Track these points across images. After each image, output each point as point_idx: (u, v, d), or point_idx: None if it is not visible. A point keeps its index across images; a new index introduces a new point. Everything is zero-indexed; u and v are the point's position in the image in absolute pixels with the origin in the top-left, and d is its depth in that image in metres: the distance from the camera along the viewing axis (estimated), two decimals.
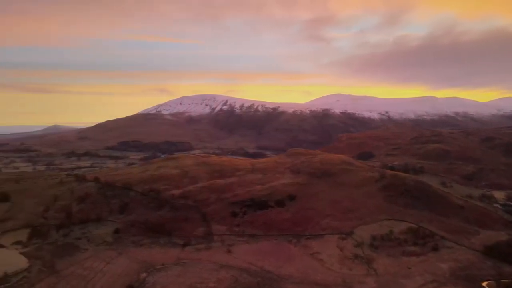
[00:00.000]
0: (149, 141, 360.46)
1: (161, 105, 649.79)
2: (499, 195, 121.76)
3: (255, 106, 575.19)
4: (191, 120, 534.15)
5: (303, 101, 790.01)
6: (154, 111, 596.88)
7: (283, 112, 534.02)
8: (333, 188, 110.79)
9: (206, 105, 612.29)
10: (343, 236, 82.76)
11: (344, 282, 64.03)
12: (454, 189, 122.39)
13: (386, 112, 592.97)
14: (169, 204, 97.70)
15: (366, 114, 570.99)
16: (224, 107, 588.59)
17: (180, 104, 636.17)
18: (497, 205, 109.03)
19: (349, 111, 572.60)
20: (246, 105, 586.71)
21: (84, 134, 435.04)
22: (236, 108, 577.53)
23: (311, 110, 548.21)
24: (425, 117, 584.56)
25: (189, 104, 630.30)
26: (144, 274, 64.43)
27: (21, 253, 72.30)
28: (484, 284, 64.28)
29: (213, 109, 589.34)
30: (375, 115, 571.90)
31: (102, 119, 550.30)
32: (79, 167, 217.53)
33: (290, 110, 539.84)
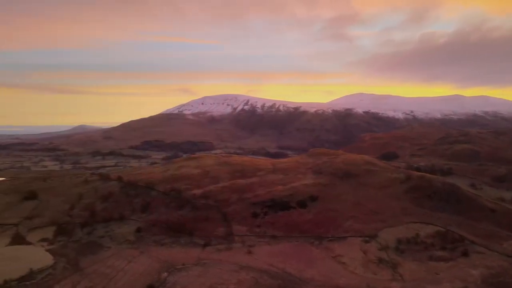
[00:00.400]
0: (171, 140, 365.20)
1: (183, 105, 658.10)
2: None
3: (277, 106, 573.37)
4: (213, 120, 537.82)
5: (325, 101, 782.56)
6: (176, 111, 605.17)
7: (304, 112, 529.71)
8: (356, 189, 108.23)
9: (228, 105, 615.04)
10: (366, 239, 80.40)
11: (368, 287, 61.94)
12: (484, 191, 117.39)
13: (411, 112, 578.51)
14: (190, 204, 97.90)
15: (390, 113, 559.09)
16: (246, 107, 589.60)
17: (202, 104, 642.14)
18: None
19: (373, 110, 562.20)
20: (267, 104, 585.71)
21: (109, 133, 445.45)
22: (258, 107, 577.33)
23: (333, 110, 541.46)
24: (452, 116, 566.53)
25: (210, 104, 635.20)
26: (165, 274, 64.40)
27: (47, 250, 73.67)
28: None
29: (235, 108, 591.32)
30: (399, 115, 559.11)
31: (126, 119, 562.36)
32: (104, 166, 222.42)
33: (312, 110, 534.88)
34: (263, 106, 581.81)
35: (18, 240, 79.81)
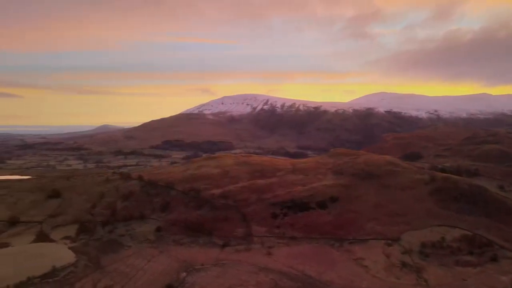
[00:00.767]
0: (191, 140, 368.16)
1: (203, 105, 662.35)
2: None
3: (297, 106, 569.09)
4: (232, 120, 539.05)
5: (345, 100, 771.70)
6: (196, 111, 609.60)
7: (325, 111, 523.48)
8: (378, 191, 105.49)
9: (247, 104, 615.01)
10: (389, 242, 78.08)
11: None
12: None
13: (435, 111, 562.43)
14: (209, 204, 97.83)
15: (413, 113, 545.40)
16: (265, 107, 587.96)
17: (222, 104, 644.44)
18: None
19: (395, 110, 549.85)
20: (287, 104, 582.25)
21: (130, 133, 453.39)
22: (277, 107, 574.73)
23: (354, 109, 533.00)
24: (478, 116, 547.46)
25: (230, 103, 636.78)
26: (184, 274, 64.37)
27: (69, 248, 74.95)
28: None
29: (254, 108, 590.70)
30: (423, 114, 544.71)
31: (147, 119, 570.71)
32: (126, 165, 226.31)
33: (332, 109, 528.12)
34: (282, 105, 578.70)
35: (42, 237, 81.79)
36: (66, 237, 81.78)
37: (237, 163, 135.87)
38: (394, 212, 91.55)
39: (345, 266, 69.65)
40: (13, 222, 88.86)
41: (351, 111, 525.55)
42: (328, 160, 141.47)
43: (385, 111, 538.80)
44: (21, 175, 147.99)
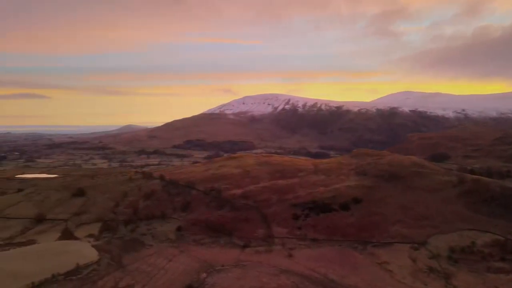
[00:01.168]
0: (212, 140, 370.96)
1: (225, 105, 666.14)
2: None
3: (318, 105, 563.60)
4: (254, 120, 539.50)
5: (368, 100, 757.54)
6: (217, 111, 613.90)
7: (347, 111, 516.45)
8: (403, 192, 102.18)
9: (269, 104, 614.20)
10: (415, 245, 75.26)
11: None
12: None
13: (463, 110, 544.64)
14: (229, 204, 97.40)
15: (439, 112, 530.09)
16: (287, 106, 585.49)
17: (243, 103, 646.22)
18: None
19: (420, 109, 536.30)
20: (309, 104, 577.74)
21: (153, 133, 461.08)
22: (299, 107, 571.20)
23: (377, 109, 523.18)
24: (509, 115, 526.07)
25: (251, 103, 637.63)
26: (204, 275, 63.95)
27: (93, 246, 76.05)
28: None
29: (275, 108, 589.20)
30: (449, 114, 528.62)
31: (170, 119, 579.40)
32: (148, 165, 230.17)
33: (355, 109, 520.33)
34: (304, 105, 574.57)
35: (67, 235, 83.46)
36: (90, 235, 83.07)
37: (258, 163, 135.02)
38: (421, 215, 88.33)
39: (369, 270, 67.52)
40: (39, 219, 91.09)
41: (374, 110, 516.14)
42: (350, 161, 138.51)
43: (410, 111, 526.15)
44: (48, 174, 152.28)
